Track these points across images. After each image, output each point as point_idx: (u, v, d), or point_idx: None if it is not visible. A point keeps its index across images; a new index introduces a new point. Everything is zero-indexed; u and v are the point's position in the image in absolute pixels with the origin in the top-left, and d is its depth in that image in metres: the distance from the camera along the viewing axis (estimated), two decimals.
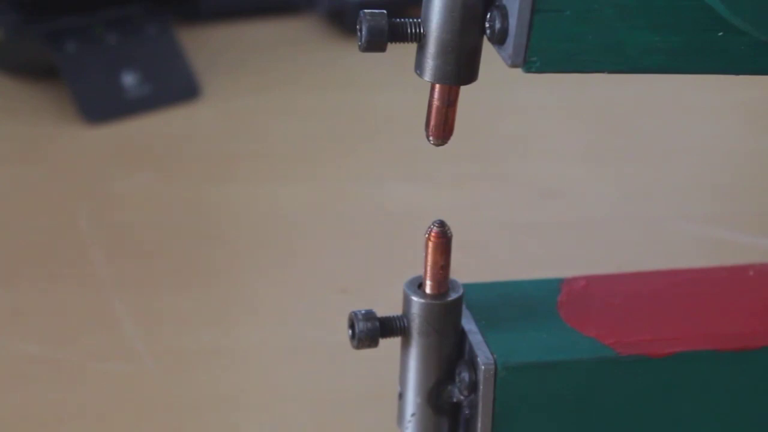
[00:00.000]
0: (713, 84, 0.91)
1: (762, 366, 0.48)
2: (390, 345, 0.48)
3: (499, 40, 0.41)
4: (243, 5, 1.03)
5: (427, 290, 0.46)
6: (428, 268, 0.46)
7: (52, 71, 0.90)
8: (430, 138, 0.44)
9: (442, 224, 0.46)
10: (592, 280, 0.50)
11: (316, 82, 0.95)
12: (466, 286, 0.47)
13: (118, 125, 0.88)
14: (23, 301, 0.71)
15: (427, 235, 0.46)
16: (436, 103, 0.43)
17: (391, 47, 0.42)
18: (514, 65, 0.41)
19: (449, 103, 0.43)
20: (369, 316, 0.46)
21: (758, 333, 0.48)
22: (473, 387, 0.46)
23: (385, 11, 0.42)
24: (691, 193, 0.83)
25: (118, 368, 0.66)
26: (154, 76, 0.91)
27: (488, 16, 0.41)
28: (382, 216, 0.79)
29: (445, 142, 0.44)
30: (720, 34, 0.42)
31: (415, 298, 0.46)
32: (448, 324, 0.46)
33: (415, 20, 0.42)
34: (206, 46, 0.98)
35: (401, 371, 0.47)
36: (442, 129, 0.44)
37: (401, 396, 0.48)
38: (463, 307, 0.47)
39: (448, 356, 0.46)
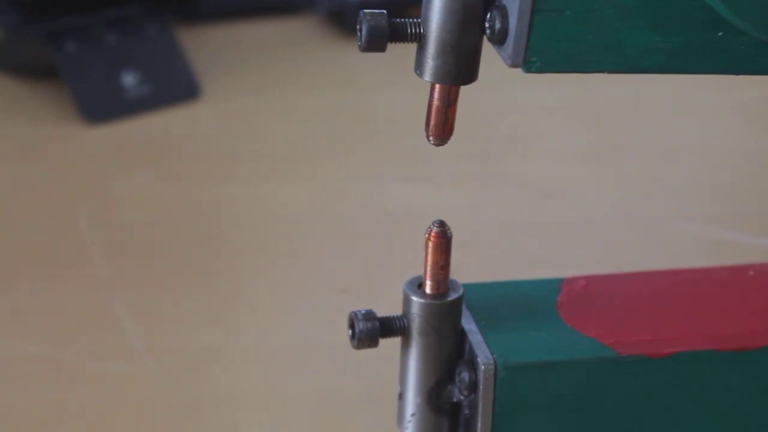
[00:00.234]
0: (713, 84, 0.91)
1: (762, 366, 0.48)
2: (390, 345, 0.48)
3: (499, 40, 0.41)
4: (243, 5, 1.03)
5: (427, 290, 0.46)
6: (428, 268, 0.46)
7: (52, 71, 0.90)
8: (430, 138, 0.44)
9: (442, 224, 0.46)
10: (592, 280, 0.50)
11: (316, 82, 0.95)
12: (466, 286, 0.47)
13: (118, 125, 0.88)
14: (23, 301, 0.71)
15: (427, 235, 0.46)
16: (436, 103, 0.43)
17: (391, 47, 0.43)
18: (514, 65, 0.41)
19: (449, 103, 0.43)
20: (369, 316, 0.46)
21: (758, 333, 0.48)
22: (473, 387, 0.46)
23: (385, 11, 0.42)
24: (691, 193, 0.83)
25: (117, 368, 0.66)
26: (154, 76, 0.91)
27: (488, 16, 0.41)
28: (382, 216, 0.79)
29: (445, 142, 0.44)
30: (720, 34, 0.42)
31: (415, 298, 0.46)
32: (448, 324, 0.46)
33: (415, 20, 0.42)
34: (206, 46, 0.98)
35: (401, 371, 0.47)
36: (442, 129, 0.44)
37: (401, 396, 0.48)
38: (463, 307, 0.47)
39: (448, 356, 0.46)
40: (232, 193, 0.81)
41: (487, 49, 0.43)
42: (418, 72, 0.43)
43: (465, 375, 0.46)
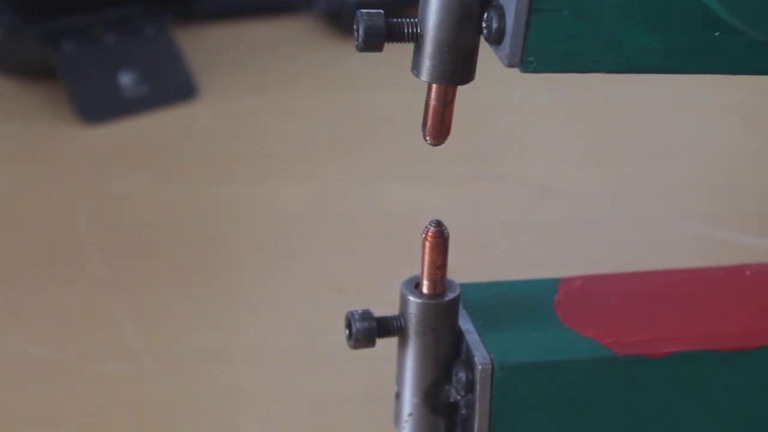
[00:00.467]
0: (711, 84, 0.91)
1: (759, 365, 0.48)
2: (388, 345, 0.48)
3: (496, 40, 0.41)
4: (240, 5, 1.03)
5: (424, 290, 0.46)
6: (425, 268, 0.46)
7: (50, 71, 0.90)
8: (427, 138, 0.44)
9: (438, 224, 0.46)
10: (588, 280, 0.50)
11: (313, 82, 0.95)
12: (463, 285, 0.47)
13: (115, 125, 0.88)
14: (22, 301, 0.71)
15: (423, 235, 0.46)
16: (433, 103, 0.43)
17: (389, 47, 0.43)
18: (511, 65, 0.41)
19: (446, 103, 0.43)
20: (366, 316, 0.46)
21: (755, 333, 0.48)
22: (470, 387, 0.46)
23: (382, 11, 0.42)
24: (690, 193, 0.83)
25: (116, 368, 0.66)
26: (152, 76, 0.91)
27: (485, 15, 0.41)
28: (380, 216, 0.79)
29: (442, 142, 0.44)
30: (717, 34, 0.42)
31: (411, 298, 0.46)
32: (444, 324, 0.46)
33: (412, 20, 0.42)
34: (204, 46, 0.98)
35: (398, 371, 0.47)
36: (439, 129, 0.44)
37: (398, 396, 0.48)
38: (460, 307, 0.47)
39: (445, 356, 0.46)
40: (230, 193, 0.81)
41: (485, 49, 0.43)
42: (415, 72, 0.43)
43: (462, 375, 0.46)
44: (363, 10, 0.42)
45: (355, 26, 0.42)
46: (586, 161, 0.86)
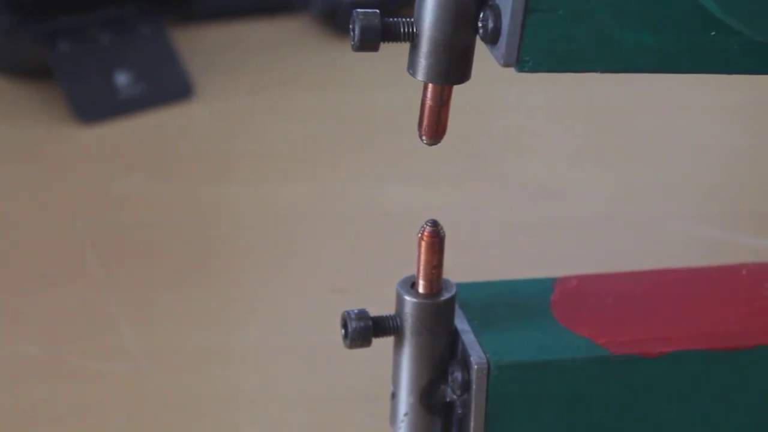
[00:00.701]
0: (709, 83, 0.91)
1: (755, 365, 0.48)
2: (385, 345, 0.48)
3: (491, 39, 0.41)
4: (237, 5, 1.03)
5: (420, 290, 0.46)
6: (421, 268, 0.46)
7: (46, 71, 0.90)
8: (423, 138, 0.44)
9: (434, 224, 0.46)
10: (585, 280, 0.50)
11: (310, 82, 0.95)
12: (459, 285, 0.47)
13: (111, 125, 0.88)
14: (19, 302, 0.71)
15: (419, 235, 0.46)
16: (428, 102, 0.43)
17: (386, 47, 0.42)
18: (506, 65, 0.41)
19: (442, 103, 0.43)
20: (361, 315, 0.46)
21: (751, 332, 0.48)
22: (466, 386, 0.46)
23: (377, 11, 0.42)
24: (687, 192, 0.83)
25: (115, 368, 0.66)
26: (148, 75, 0.91)
27: (481, 15, 0.41)
28: (379, 216, 0.79)
29: (438, 142, 0.44)
30: (713, 33, 0.42)
31: (407, 298, 0.46)
32: (440, 323, 0.46)
33: (407, 19, 0.42)
34: (200, 46, 0.98)
35: (394, 371, 0.47)
36: (435, 129, 0.44)
37: (394, 396, 0.48)
38: (456, 306, 0.47)
39: (441, 356, 0.46)
40: (228, 193, 0.81)
41: (481, 49, 0.43)
42: (410, 71, 0.43)
43: (458, 374, 0.46)
44: (359, 10, 0.42)
45: (351, 26, 0.42)
46: (583, 161, 0.86)
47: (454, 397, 0.46)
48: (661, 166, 0.86)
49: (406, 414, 0.47)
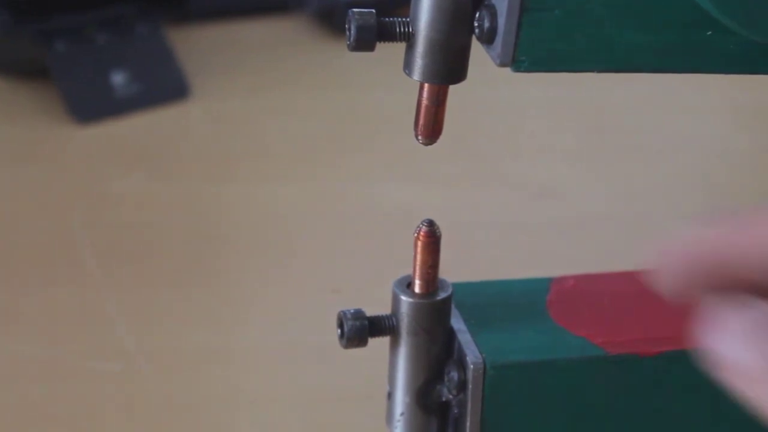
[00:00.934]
0: (708, 83, 0.91)
1: None
2: (381, 344, 0.48)
3: (487, 39, 0.41)
4: (232, 6, 1.03)
5: (416, 289, 0.46)
6: (417, 268, 0.46)
7: (42, 71, 0.90)
8: (419, 137, 0.44)
9: (431, 224, 0.46)
10: (581, 280, 0.50)
11: (306, 82, 0.95)
12: (455, 285, 0.47)
13: (107, 125, 0.88)
14: (17, 302, 0.71)
15: (416, 235, 0.46)
16: (425, 102, 0.43)
17: (382, 47, 0.42)
18: (502, 65, 0.41)
19: (438, 103, 0.43)
20: (358, 315, 0.46)
21: None
22: (462, 386, 0.46)
23: (373, 10, 0.42)
24: (684, 192, 0.83)
25: (112, 368, 0.66)
26: (145, 75, 0.91)
27: (477, 15, 0.41)
28: (376, 216, 0.79)
29: (434, 142, 0.44)
30: (709, 33, 0.42)
31: (403, 298, 0.46)
32: (436, 323, 0.46)
33: (403, 19, 0.42)
34: (196, 46, 0.98)
35: (390, 371, 0.47)
36: (431, 128, 0.44)
37: (390, 395, 0.48)
38: (452, 306, 0.47)
39: (437, 355, 0.46)
40: (224, 193, 0.81)
41: (478, 48, 0.43)
42: (406, 71, 0.43)
43: (454, 374, 0.46)
44: (355, 10, 0.41)
45: (347, 26, 0.42)
46: (579, 161, 0.86)
47: (450, 396, 0.46)
48: (659, 166, 0.86)
49: (402, 414, 0.47)
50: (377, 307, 0.47)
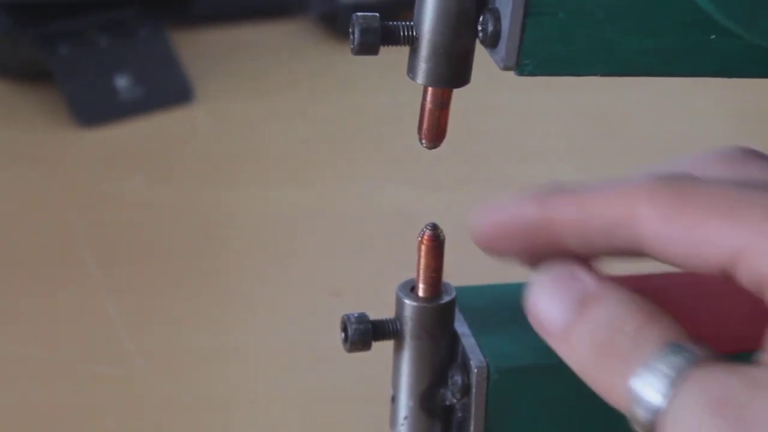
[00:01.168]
0: (709, 87, 0.91)
1: None
2: (383, 348, 0.48)
3: (491, 43, 0.41)
4: (236, 9, 1.03)
5: (420, 293, 0.46)
6: (421, 271, 0.46)
7: (45, 74, 0.90)
8: (423, 141, 0.44)
9: (434, 227, 0.46)
10: None
11: (309, 85, 0.95)
12: (459, 289, 0.47)
13: (111, 128, 0.88)
14: (18, 303, 0.71)
15: (419, 238, 0.46)
16: (428, 105, 0.43)
17: (385, 50, 0.42)
18: (506, 68, 0.41)
19: (442, 106, 0.43)
20: (361, 319, 0.46)
21: (752, 336, 0.48)
22: (466, 390, 0.46)
23: (377, 14, 0.42)
24: None
25: (112, 370, 0.66)
26: (147, 78, 0.91)
27: (481, 19, 0.41)
28: (379, 219, 0.79)
29: (438, 145, 0.44)
30: (713, 37, 0.41)
31: (407, 301, 0.46)
32: (440, 327, 0.46)
33: (407, 23, 0.42)
34: (199, 49, 0.98)
35: (394, 374, 0.47)
36: (435, 132, 0.44)
37: (394, 399, 0.48)
38: (456, 310, 0.47)
39: (441, 359, 0.46)
40: (226, 196, 0.81)
41: (482, 52, 0.43)
42: (410, 75, 0.43)
43: (458, 378, 0.46)
44: (358, 13, 0.41)
45: (350, 29, 0.42)
46: (583, 164, 0.86)
47: (454, 400, 0.46)
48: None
49: (405, 417, 0.47)
50: (379, 309, 0.47)
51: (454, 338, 0.47)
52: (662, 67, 0.42)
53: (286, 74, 0.97)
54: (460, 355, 0.46)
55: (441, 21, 0.41)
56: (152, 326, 0.69)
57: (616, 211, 0.40)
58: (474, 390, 0.45)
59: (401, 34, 0.42)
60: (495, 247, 0.43)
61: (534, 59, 0.41)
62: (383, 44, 0.42)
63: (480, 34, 0.41)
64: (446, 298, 0.46)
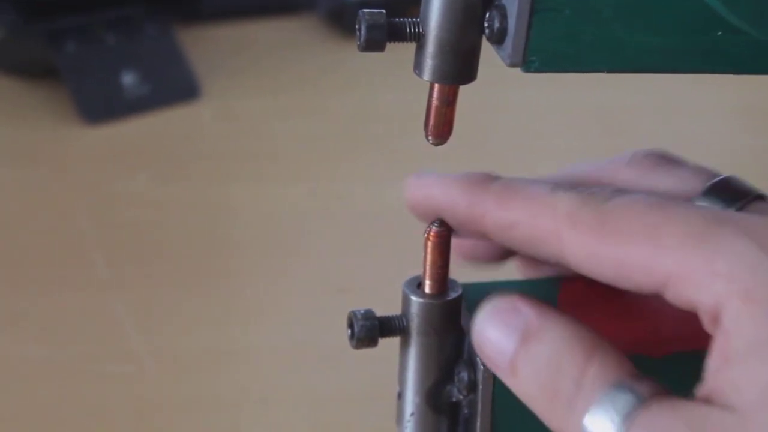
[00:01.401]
0: (714, 84, 0.91)
1: None
2: (389, 344, 0.48)
3: (497, 39, 0.41)
4: (242, 6, 1.03)
5: (426, 290, 0.46)
6: (427, 268, 0.46)
7: (52, 71, 0.90)
8: (429, 138, 0.44)
9: (441, 224, 0.46)
10: (591, 280, 0.50)
11: (315, 82, 0.95)
12: (465, 285, 0.47)
13: (117, 125, 0.88)
14: (24, 303, 0.71)
15: (426, 235, 0.46)
16: (435, 102, 0.43)
17: (392, 47, 0.42)
18: (513, 65, 0.41)
19: (448, 103, 0.43)
20: (368, 315, 0.46)
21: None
22: (472, 387, 0.46)
23: (383, 11, 0.42)
24: None
25: (118, 369, 0.66)
26: (154, 76, 0.91)
27: (487, 15, 0.41)
28: (385, 216, 0.79)
29: (444, 142, 0.44)
30: (719, 33, 0.41)
31: (414, 298, 0.46)
32: (447, 323, 0.46)
33: (414, 20, 0.42)
34: (206, 46, 0.98)
35: (400, 371, 0.47)
36: (441, 129, 0.44)
37: (400, 396, 0.48)
38: (463, 306, 0.47)
39: (447, 356, 0.46)
40: (232, 194, 0.81)
41: (488, 49, 0.43)
42: (416, 72, 0.43)
43: (464, 375, 0.46)
44: (365, 10, 0.41)
45: (357, 26, 0.42)
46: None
47: (461, 397, 0.46)
48: None
49: (412, 414, 0.47)
50: (385, 306, 0.47)
51: (461, 335, 0.47)
52: (669, 64, 0.42)
53: (292, 71, 0.97)
54: (467, 352, 0.46)
55: (447, 18, 0.41)
56: (160, 325, 0.69)
57: (540, 230, 0.40)
58: (480, 387, 0.45)
59: (408, 30, 0.42)
60: (426, 219, 0.44)
61: (540, 56, 0.41)
62: (390, 41, 0.42)
63: (486, 31, 0.41)
64: (453, 295, 0.46)
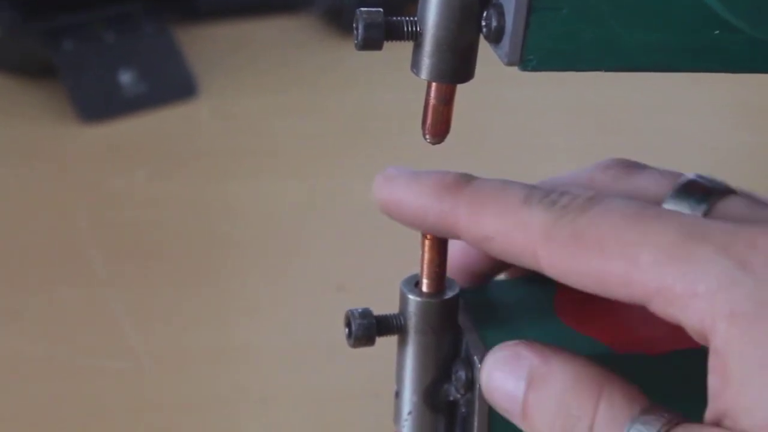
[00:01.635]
0: (712, 82, 0.91)
1: None
2: (387, 343, 0.48)
3: (495, 38, 0.41)
4: (240, 4, 1.03)
5: (424, 288, 0.46)
6: (424, 267, 0.46)
7: (49, 69, 0.90)
8: (427, 136, 0.44)
9: None
10: None
11: (313, 81, 0.95)
12: None
13: (115, 124, 0.88)
14: (21, 301, 0.71)
15: (423, 233, 0.46)
16: (432, 101, 0.43)
17: (390, 46, 0.42)
18: (510, 64, 0.41)
19: (445, 102, 0.43)
20: (365, 314, 0.46)
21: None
22: (470, 385, 0.46)
23: (381, 9, 0.42)
24: None
25: (116, 367, 0.66)
26: (152, 74, 0.91)
27: (485, 14, 0.41)
28: (380, 214, 0.79)
29: (442, 141, 0.44)
30: (717, 32, 0.41)
31: (411, 297, 0.46)
32: (444, 322, 0.46)
33: (411, 18, 0.42)
34: (204, 45, 0.98)
35: (397, 370, 0.47)
36: (439, 127, 0.44)
37: (398, 394, 0.48)
38: (460, 305, 0.47)
39: (445, 355, 0.46)
40: (229, 192, 0.81)
41: (485, 47, 0.43)
42: (414, 70, 0.43)
43: (461, 373, 0.46)
44: (362, 9, 0.42)
45: (354, 25, 0.42)
46: (584, 160, 0.86)
47: (458, 395, 0.46)
48: (661, 165, 0.86)
49: (409, 413, 0.47)
50: (383, 305, 0.47)
51: (458, 333, 0.47)
52: (667, 63, 0.42)
53: (290, 70, 0.97)
54: (464, 351, 0.46)
55: (445, 16, 0.41)
56: (158, 323, 0.69)
57: (515, 246, 0.40)
58: (478, 385, 0.45)
59: (405, 29, 0.42)
60: (398, 220, 0.44)
61: (538, 54, 0.41)
62: (387, 39, 0.42)
63: (484, 30, 0.41)
64: (450, 294, 0.46)
